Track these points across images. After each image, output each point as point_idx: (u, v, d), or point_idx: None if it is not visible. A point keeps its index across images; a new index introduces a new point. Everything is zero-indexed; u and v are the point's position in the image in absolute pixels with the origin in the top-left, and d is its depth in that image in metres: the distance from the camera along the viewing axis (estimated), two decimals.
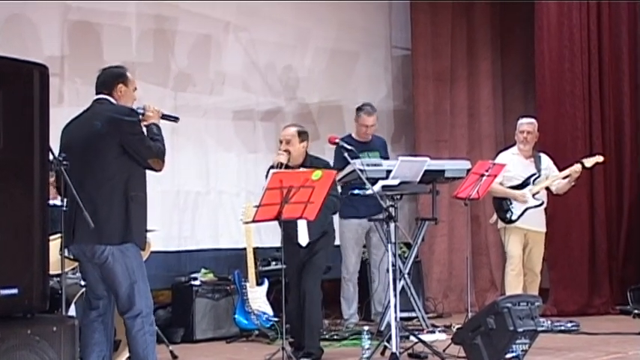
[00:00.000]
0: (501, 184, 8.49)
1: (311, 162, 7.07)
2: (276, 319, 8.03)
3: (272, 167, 6.90)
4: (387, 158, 8.37)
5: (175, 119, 5.77)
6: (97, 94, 5.50)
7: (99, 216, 5.16)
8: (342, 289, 8.67)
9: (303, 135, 7.10)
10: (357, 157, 7.07)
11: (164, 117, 5.62)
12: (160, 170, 5.43)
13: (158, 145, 5.39)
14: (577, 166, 8.38)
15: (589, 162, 8.44)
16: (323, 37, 10.16)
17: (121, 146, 5.25)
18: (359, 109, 8.72)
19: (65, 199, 5.34)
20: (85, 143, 5.30)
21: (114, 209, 5.23)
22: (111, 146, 5.25)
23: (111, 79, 5.49)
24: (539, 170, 8.56)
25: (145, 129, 5.44)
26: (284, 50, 9.89)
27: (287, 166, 6.93)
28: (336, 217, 8.38)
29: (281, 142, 7.13)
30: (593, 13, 9.79)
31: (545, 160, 8.66)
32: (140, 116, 5.48)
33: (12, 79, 4.50)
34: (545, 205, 8.59)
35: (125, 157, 5.27)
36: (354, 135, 8.67)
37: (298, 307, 6.99)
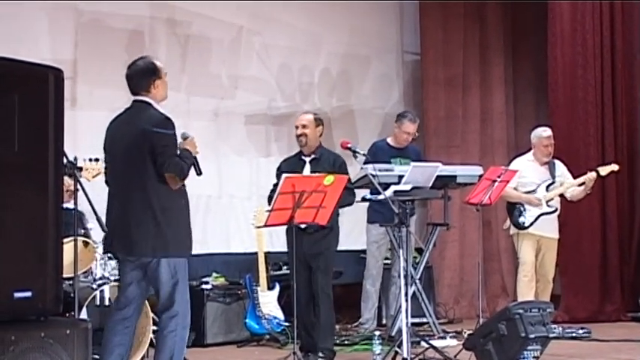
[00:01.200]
0: (516, 189, 8.48)
1: (321, 153, 7.27)
2: (287, 323, 8.04)
3: (279, 170, 7.11)
4: None
5: (199, 173, 5.50)
6: (133, 94, 5.42)
7: (133, 230, 5.18)
8: (363, 292, 8.66)
9: (318, 121, 7.35)
10: (369, 162, 7.06)
11: (195, 160, 5.41)
12: (173, 188, 5.26)
13: (183, 164, 5.25)
14: (592, 174, 8.38)
15: (604, 170, 8.43)
16: (335, 41, 10.18)
17: (153, 154, 5.19)
18: (402, 116, 8.54)
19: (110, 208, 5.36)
20: (127, 154, 5.26)
21: (148, 223, 5.18)
22: (149, 159, 5.20)
23: (144, 78, 5.38)
24: (553, 177, 8.55)
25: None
26: (296, 55, 9.91)
27: (302, 153, 7.26)
28: (363, 222, 8.54)
29: (297, 127, 7.29)
30: (606, 19, 9.77)
31: (560, 167, 8.65)
32: (182, 139, 5.40)
33: (27, 83, 4.51)
34: (558, 212, 8.58)
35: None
36: (389, 140, 8.58)
37: (305, 308, 7.03)
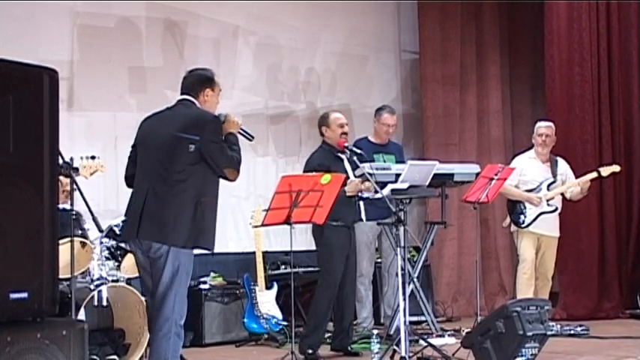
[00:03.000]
0: (517, 187, 8.49)
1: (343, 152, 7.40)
2: (285, 323, 8.04)
3: (315, 165, 7.18)
4: (402, 163, 8.34)
5: (251, 138, 5.69)
6: (182, 94, 5.48)
7: (167, 217, 5.21)
8: (356, 292, 8.63)
9: None
10: (367, 161, 7.08)
11: (241, 132, 5.56)
12: (233, 180, 5.41)
13: (235, 155, 5.36)
14: (592, 174, 8.39)
15: (606, 171, 8.44)
16: (332, 41, 10.18)
17: (199, 151, 5.24)
18: (380, 109, 8.60)
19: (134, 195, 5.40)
20: (162, 144, 5.30)
21: (183, 213, 5.22)
22: (189, 152, 5.24)
23: (199, 82, 5.49)
24: (555, 175, 8.55)
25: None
26: (293, 54, 9.91)
27: (334, 150, 7.37)
28: None
29: (342, 125, 7.42)
30: (602, 17, 9.78)
31: (563, 165, 8.65)
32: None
33: (22, 84, 4.50)
34: (559, 211, 8.58)
35: (201, 164, 5.26)
36: (370, 137, 8.59)
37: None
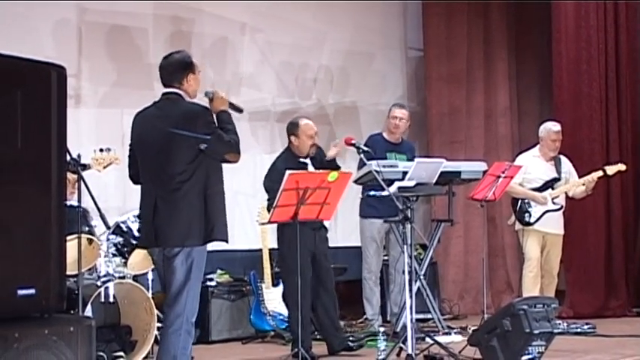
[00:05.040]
0: (521, 185, 8.47)
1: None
2: None
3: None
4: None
5: (240, 110, 5.62)
6: (165, 86, 5.39)
7: (180, 221, 5.19)
8: (364, 289, 8.61)
9: None
10: (374, 159, 7.06)
11: (230, 106, 5.49)
12: (236, 162, 5.36)
13: (232, 136, 5.28)
14: (592, 176, 8.37)
15: (611, 170, 8.43)
16: (338, 38, 10.18)
17: (197, 148, 5.19)
18: (392, 105, 8.72)
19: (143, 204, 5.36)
20: (158, 146, 5.24)
21: (194, 212, 5.21)
22: (186, 150, 5.20)
23: (180, 70, 5.36)
24: (559, 173, 8.53)
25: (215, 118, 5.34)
26: (300, 52, 9.91)
27: (297, 156, 7.28)
28: (357, 217, 8.57)
29: (312, 137, 7.27)
30: (610, 15, 9.76)
31: (566, 164, 8.64)
32: (208, 101, 5.41)
33: (30, 80, 4.51)
34: (564, 209, 8.57)
35: (200, 158, 5.21)
36: (385, 135, 8.62)
37: (308, 305, 7.09)
